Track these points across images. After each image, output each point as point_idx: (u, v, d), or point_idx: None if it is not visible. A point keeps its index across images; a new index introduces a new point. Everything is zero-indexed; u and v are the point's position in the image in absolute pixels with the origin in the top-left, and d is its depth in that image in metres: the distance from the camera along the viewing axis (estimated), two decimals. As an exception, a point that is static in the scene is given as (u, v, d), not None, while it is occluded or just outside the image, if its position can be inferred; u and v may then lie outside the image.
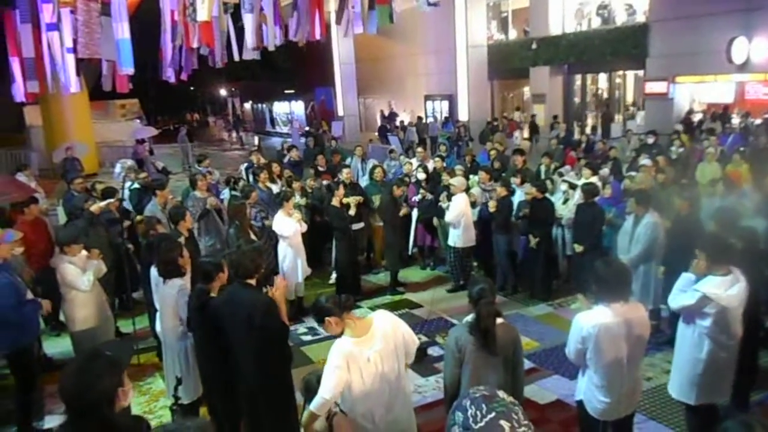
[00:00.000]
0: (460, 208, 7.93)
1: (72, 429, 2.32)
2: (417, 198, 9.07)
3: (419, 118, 24.73)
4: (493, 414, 1.74)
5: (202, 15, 7.44)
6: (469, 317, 3.71)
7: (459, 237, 8.06)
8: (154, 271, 5.23)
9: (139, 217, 7.39)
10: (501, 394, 1.85)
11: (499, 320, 3.65)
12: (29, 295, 5.34)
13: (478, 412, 1.75)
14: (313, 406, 3.38)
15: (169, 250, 4.90)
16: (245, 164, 11.39)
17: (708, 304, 3.90)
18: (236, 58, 9.52)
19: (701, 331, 4.00)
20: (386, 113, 28.54)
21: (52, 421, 5.34)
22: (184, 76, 10.01)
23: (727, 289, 3.90)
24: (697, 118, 17.03)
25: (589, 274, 3.85)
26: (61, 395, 2.32)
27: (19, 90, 9.04)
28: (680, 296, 4.08)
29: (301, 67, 36.88)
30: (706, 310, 3.92)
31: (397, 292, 8.45)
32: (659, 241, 6.24)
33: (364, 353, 3.43)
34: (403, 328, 3.62)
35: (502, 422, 1.72)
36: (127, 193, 9.07)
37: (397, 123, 24.44)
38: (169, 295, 4.66)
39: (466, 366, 3.62)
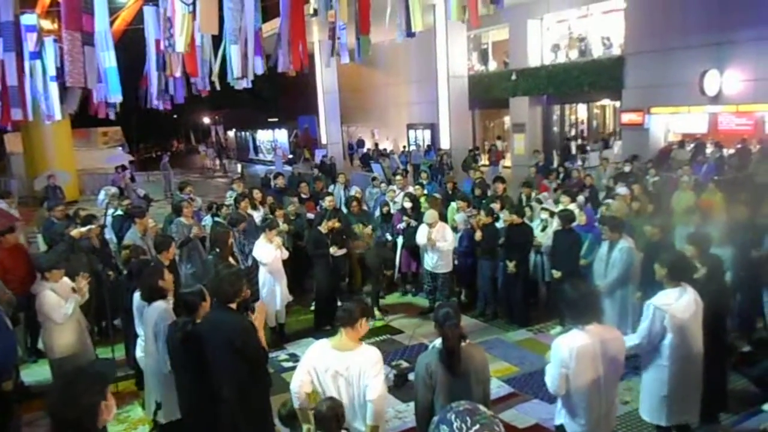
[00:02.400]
0: (423, 238, 8.09)
1: None
2: (402, 225, 9.17)
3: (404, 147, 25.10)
4: (477, 426, 1.83)
5: (180, 46, 7.55)
6: (437, 342, 3.76)
7: (432, 261, 8.18)
8: (136, 296, 5.25)
9: (125, 243, 7.38)
10: (482, 408, 1.95)
11: (465, 342, 3.73)
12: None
13: (463, 425, 1.84)
14: (294, 401, 3.79)
15: (151, 274, 4.94)
16: (229, 192, 11.41)
17: (663, 317, 4.06)
18: (219, 86, 9.64)
19: (664, 351, 4.13)
20: (354, 142, 28.97)
21: (29, 449, 5.28)
22: (168, 105, 10.13)
23: (677, 299, 4.11)
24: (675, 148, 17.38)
25: (560, 299, 3.97)
26: (48, 407, 2.40)
27: (-1, 117, 9.07)
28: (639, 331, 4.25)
29: (284, 95, 37.19)
30: (665, 323, 4.07)
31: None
32: (635, 266, 6.39)
33: (331, 366, 3.66)
34: (368, 381, 3.63)
35: None
36: (109, 219, 9.07)
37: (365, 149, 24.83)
38: (151, 318, 4.68)
39: (439, 391, 3.66)
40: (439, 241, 8.00)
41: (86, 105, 9.01)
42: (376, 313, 8.44)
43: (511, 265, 7.73)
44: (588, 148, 20.72)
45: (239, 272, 4.38)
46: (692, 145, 16.50)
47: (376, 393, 3.60)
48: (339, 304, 3.96)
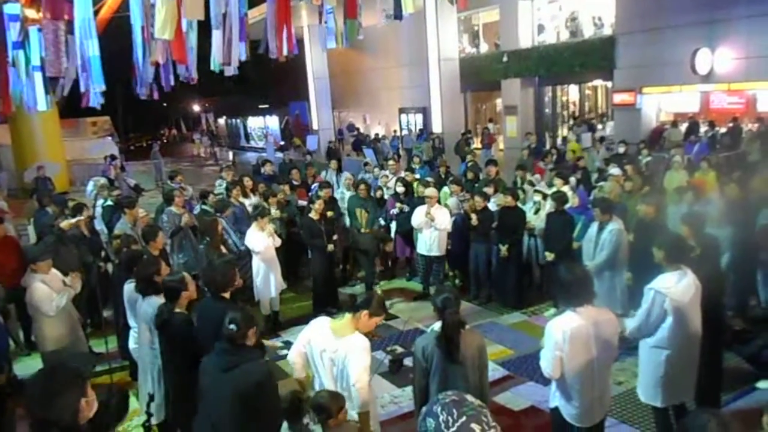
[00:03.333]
0: (421, 217, 8.06)
1: None
2: (395, 211, 9.14)
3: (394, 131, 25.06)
4: (464, 418, 1.79)
5: (165, 33, 7.42)
6: (436, 326, 3.77)
7: (426, 245, 8.16)
8: (129, 287, 5.19)
9: (115, 233, 7.32)
10: (469, 398, 1.91)
11: (464, 328, 3.73)
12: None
13: (449, 417, 1.80)
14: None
15: (147, 266, 4.88)
16: (218, 181, 11.33)
17: (663, 301, 4.04)
18: (208, 74, 9.53)
19: (662, 333, 4.12)
20: (344, 128, 28.86)
21: (23, 443, 5.25)
22: (156, 95, 9.98)
23: (677, 282, 4.08)
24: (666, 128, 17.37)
25: (554, 280, 3.95)
26: (26, 407, 2.39)
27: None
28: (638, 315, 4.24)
29: (274, 81, 36.89)
30: (665, 306, 4.04)
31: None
32: (623, 247, 6.40)
33: (322, 346, 3.72)
34: (350, 368, 3.63)
35: (473, 425, 1.78)
36: (99, 210, 8.99)
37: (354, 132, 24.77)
38: (146, 312, 4.63)
39: (434, 375, 3.68)
40: (437, 218, 7.97)
41: (74, 95, 8.85)
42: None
43: (503, 249, 7.73)
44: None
45: (231, 261, 4.34)
46: (685, 125, 16.48)
47: (357, 380, 3.60)
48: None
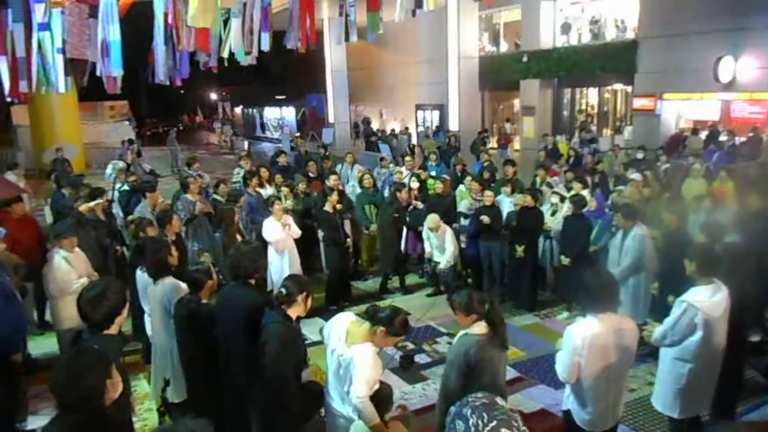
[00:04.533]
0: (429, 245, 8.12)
1: (63, 423, 2.37)
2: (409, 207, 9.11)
3: (406, 128, 25.03)
4: (494, 422, 1.77)
5: (199, 21, 7.44)
6: (472, 329, 3.72)
7: (436, 255, 8.14)
8: (140, 274, 5.21)
9: (130, 218, 7.36)
10: (499, 401, 1.88)
11: None
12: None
13: (479, 421, 1.77)
14: None
15: (156, 250, 4.89)
16: (236, 169, 11.34)
17: (695, 315, 3.97)
18: (227, 63, 9.52)
19: (688, 346, 4.05)
20: (359, 122, 28.83)
21: (36, 421, 5.29)
22: (178, 81, 9.99)
23: (710, 296, 4.00)
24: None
25: (577, 285, 3.90)
26: (52, 390, 2.38)
27: (5, 89, 8.98)
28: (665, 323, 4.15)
29: (293, 73, 36.94)
30: (696, 321, 3.97)
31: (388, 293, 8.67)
32: (648, 253, 6.30)
33: (334, 343, 3.72)
34: (354, 381, 3.55)
35: (504, 430, 1.76)
36: (116, 194, 9.04)
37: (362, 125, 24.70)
38: (161, 295, 4.64)
39: (483, 373, 3.62)
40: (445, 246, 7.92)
41: (92, 78, 8.88)
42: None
43: (519, 250, 7.67)
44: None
45: (259, 248, 4.32)
46: (705, 133, 16.31)
47: (356, 392, 3.49)
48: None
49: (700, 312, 3.96)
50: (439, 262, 8.05)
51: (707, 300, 3.99)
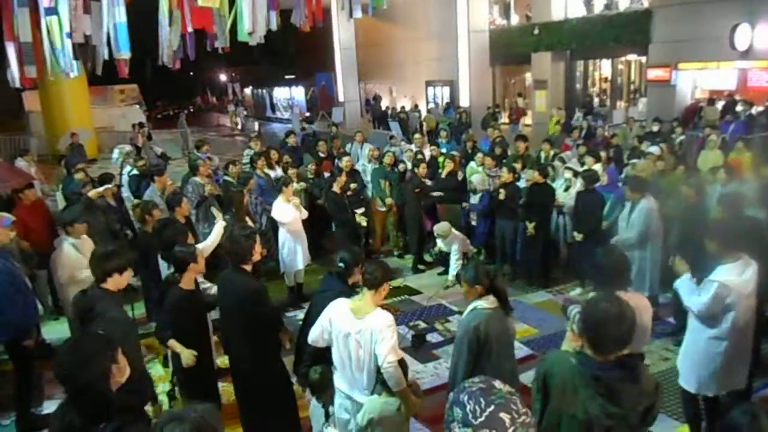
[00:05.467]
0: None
1: (71, 407, 2.39)
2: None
3: (415, 105, 24.84)
4: (492, 407, 1.71)
5: (207, 1, 7.34)
6: (478, 304, 3.70)
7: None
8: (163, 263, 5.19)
9: (136, 202, 7.36)
10: (497, 384, 1.82)
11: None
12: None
13: (477, 407, 1.72)
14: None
15: (172, 236, 4.86)
16: (246, 150, 11.30)
17: (728, 294, 3.83)
18: (235, 43, 9.42)
19: (724, 324, 3.93)
20: (370, 98, 28.68)
21: (51, 406, 5.35)
22: (177, 64, 9.90)
23: (740, 274, 3.86)
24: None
25: (590, 261, 3.84)
26: (57, 375, 2.41)
27: (14, 75, 8.96)
28: (696, 298, 3.99)
29: (301, 52, 36.68)
30: (729, 300, 3.84)
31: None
32: (653, 227, 6.24)
33: (344, 327, 3.63)
34: (377, 346, 3.57)
35: (502, 414, 1.70)
36: (125, 178, 9.04)
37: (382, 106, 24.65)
38: None
39: (491, 350, 3.62)
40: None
41: (96, 63, 8.83)
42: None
43: (530, 226, 7.58)
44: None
45: (252, 232, 4.27)
46: (722, 103, 15.98)
47: (384, 358, 3.53)
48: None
49: (733, 291, 3.83)
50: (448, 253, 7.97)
51: (738, 278, 3.85)
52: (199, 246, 4.91)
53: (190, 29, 8.47)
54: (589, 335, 2.63)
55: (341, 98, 29.17)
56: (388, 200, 8.99)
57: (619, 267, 3.62)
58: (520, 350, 6.10)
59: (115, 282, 3.81)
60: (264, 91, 40.10)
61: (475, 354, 3.63)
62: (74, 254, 5.60)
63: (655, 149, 8.97)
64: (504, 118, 21.86)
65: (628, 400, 2.55)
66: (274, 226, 7.90)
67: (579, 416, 2.59)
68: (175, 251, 4.36)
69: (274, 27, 8.78)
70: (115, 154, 11.42)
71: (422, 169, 8.71)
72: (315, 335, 3.82)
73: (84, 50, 8.25)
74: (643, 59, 19.06)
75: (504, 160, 9.41)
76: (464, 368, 3.71)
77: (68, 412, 2.39)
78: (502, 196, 7.76)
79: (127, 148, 11.48)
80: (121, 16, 7.65)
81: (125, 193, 8.70)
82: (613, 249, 3.86)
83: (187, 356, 4.02)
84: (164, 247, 4.90)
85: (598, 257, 3.68)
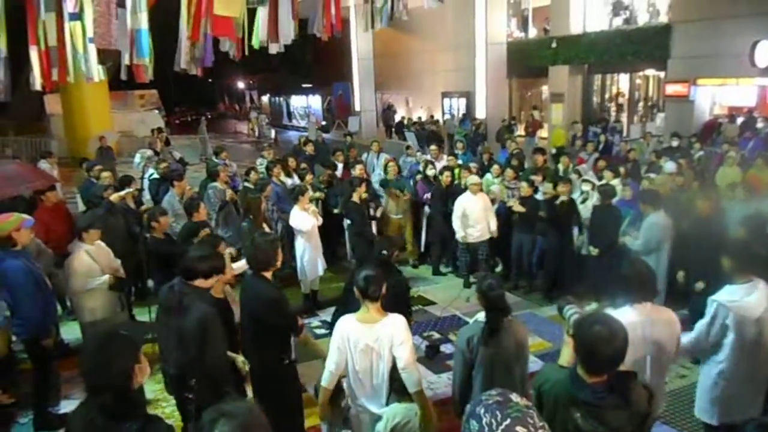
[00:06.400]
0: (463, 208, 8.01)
1: (92, 404, 2.43)
2: (429, 195, 9.07)
3: (431, 116, 24.89)
4: (508, 420, 1.72)
5: (225, 10, 7.45)
6: (480, 316, 3.69)
7: (476, 231, 8.07)
8: None
9: (144, 207, 7.42)
10: (514, 397, 1.83)
11: (508, 317, 3.65)
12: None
13: (493, 420, 1.73)
14: (323, 380, 3.78)
15: (207, 244, 4.80)
16: (259, 160, 11.37)
17: (726, 315, 3.72)
18: (254, 51, 9.53)
19: (723, 350, 3.83)
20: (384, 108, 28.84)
21: (68, 406, 5.40)
22: (199, 71, 10.02)
23: (745, 296, 3.73)
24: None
25: (608, 275, 3.80)
26: (81, 372, 2.46)
27: (36, 79, 9.11)
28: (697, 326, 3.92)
29: (319, 61, 36.91)
30: (728, 322, 3.73)
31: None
32: (656, 241, 6.24)
33: (360, 340, 3.60)
34: (396, 350, 3.58)
35: (519, 428, 1.71)
36: (146, 182, 9.14)
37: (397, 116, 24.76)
38: None
39: (479, 368, 3.59)
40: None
41: (121, 68, 8.97)
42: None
43: (552, 239, 7.55)
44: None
45: (275, 240, 4.30)
46: (741, 119, 15.87)
47: (406, 360, 3.56)
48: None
49: (732, 313, 3.71)
50: (477, 244, 8.03)
51: (740, 300, 3.73)
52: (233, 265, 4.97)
53: (203, 36, 8.56)
54: (581, 356, 2.62)
55: (357, 108, 29.30)
56: (405, 196, 9.05)
57: (643, 278, 3.56)
58: (534, 363, 6.04)
59: (200, 284, 3.97)
60: (281, 99, 40.39)
61: (468, 366, 3.62)
62: (88, 262, 5.56)
63: (671, 165, 8.92)
64: (520, 131, 21.83)
65: (618, 423, 2.56)
66: (289, 233, 7.96)
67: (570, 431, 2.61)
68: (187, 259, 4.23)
69: (293, 36, 8.89)
70: (137, 158, 11.55)
71: (446, 178, 8.75)
72: (337, 360, 3.73)
73: (109, 55, 8.38)
74: (662, 74, 18.98)
75: (521, 173, 9.41)
76: (458, 380, 3.72)
77: (90, 409, 2.43)
78: (521, 209, 7.74)
79: (149, 152, 11.60)
80: (143, 22, 7.78)
81: (146, 196, 8.80)
82: (637, 261, 3.81)
83: (242, 362, 4.11)
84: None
85: (623, 268, 3.64)
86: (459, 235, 8.21)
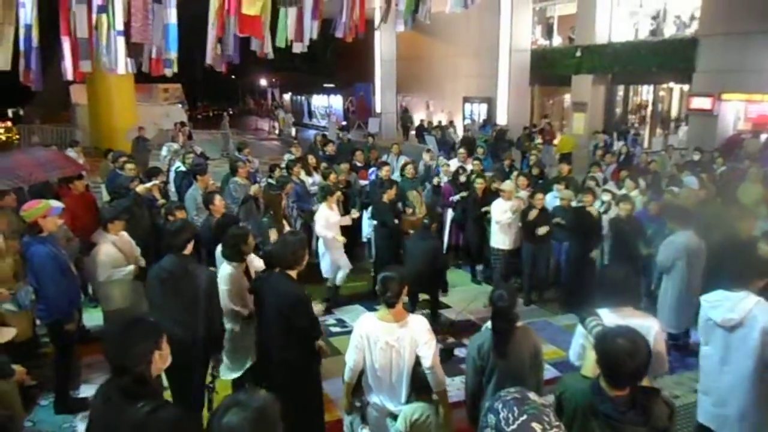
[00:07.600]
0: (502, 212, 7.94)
1: (113, 384, 2.57)
2: (455, 198, 9.09)
3: (451, 121, 24.82)
4: (525, 416, 1.78)
5: (250, 9, 7.54)
6: (490, 323, 3.71)
7: (508, 239, 8.06)
8: (218, 252, 5.28)
9: (161, 202, 7.51)
10: (532, 396, 1.90)
11: (519, 324, 3.68)
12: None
13: (510, 415, 1.79)
14: (345, 375, 3.86)
15: (237, 235, 4.88)
16: (287, 155, 11.47)
17: (705, 318, 3.83)
18: (278, 50, 9.64)
19: (716, 357, 3.85)
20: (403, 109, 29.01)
21: (88, 390, 5.52)
22: (224, 67, 10.14)
23: (722, 301, 3.75)
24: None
25: (597, 280, 3.85)
26: (105, 353, 2.63)
27: (67, 69, 9.28)
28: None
29: (342, 61, 37.05)
30: (707, 329, 3.83)
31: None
32: (674, 260, 6.12)
33: (381, 337, 3.63)
34: (421, 350, 3.63)
35: (534, 424, 1.77)
36: (173, 175, 9.28)
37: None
38: (221, 276, 4.74)
39: (490, 374, 3.62)
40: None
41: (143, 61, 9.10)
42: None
43: (576, 249, 7.55)
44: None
45: (303, 239, 4.35)
46: (765, 135, 15.70)
47: (432, 360, 3.61)
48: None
49: (707, 316, 3.84)
50: (505, 250, 8.03)
51: (715, 303, 3.82)
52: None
53: (239, 34, 8.67)
54: (604, 369, 2.66)
55: (378, 109, 29.38)
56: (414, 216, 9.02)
57: (623, 283, 3.62)
58: (548, 372, 6.05)
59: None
60: (303, 97, 40.59)
61: (479, 372, 3.64)
62: (114, 253, 5.62)
63: (692, 179, 8.85)
64: (538, 139, 21.78)
65: None
66: (308, 231, 8.04)
67: None
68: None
69: (314, 36, 8.99)
70: (164, 151, 11.71)
71: (480, 185, 8.69)
72: (355, 358, 3.77)
73: (139, 49, 8.52)
74: (686, 87, 18.84)
75: (540, 181, 9.39)
76: (470, 386, 3.75)
77: (111, 388, 2.58)
78: (531, 216, 7.72)
79: (175, 145, 11.76)
80: (172, 17, 7.92)
81: (172, 188, 8.93)
82: (620, 266, 3.86)
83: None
84: (227, 245, 4.93)
85: (605, 273, 3.78)
86: (495, 241, 8.16)
